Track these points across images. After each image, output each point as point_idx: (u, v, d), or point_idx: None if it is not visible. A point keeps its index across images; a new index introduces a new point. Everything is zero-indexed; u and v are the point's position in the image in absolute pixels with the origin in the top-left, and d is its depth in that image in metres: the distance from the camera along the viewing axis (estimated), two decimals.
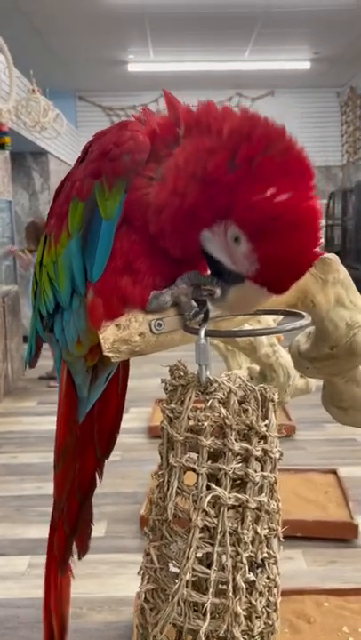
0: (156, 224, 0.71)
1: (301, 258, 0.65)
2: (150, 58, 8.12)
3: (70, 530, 1.05)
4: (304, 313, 0.74)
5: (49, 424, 4.79)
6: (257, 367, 2.42)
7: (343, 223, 9.22)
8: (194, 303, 0.74)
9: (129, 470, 3.48)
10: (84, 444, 0.99)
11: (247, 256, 0.64)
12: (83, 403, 0.95)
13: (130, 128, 0.74)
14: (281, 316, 2.71)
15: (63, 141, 7.97)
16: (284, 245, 0.62)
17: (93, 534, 1.12)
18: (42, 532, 3.44)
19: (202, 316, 0.73)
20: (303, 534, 2.83)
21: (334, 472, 3.44)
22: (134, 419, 4.28)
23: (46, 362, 5.97)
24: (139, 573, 0.69)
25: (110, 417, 1.00)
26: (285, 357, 2.24)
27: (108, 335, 0.71)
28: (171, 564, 0.65)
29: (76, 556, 1.11)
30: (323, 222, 9.64)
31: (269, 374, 2.15)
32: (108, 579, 2.52)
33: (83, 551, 1.10)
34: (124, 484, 3.32)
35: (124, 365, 0.98)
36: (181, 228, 0.69)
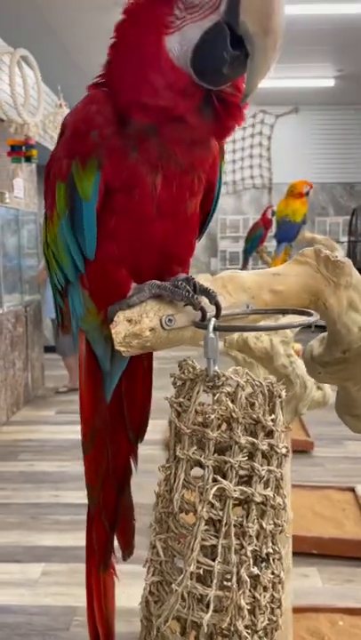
0: (125, 80, 0.71)
1: None
2: None
3: (110, 522, 0.99)
4: (313, 311, 0.74)
5: (67, 433, 4.80)
6: (273, 378, 2.40)
7: None
8: (205, 299, 0.75)
9: (144, 481, 3.44)
10: (115, 425, 0.95)
11: None
12: (107, 378, 0.91)
13: (96, 100, 0.74)
14: (295, 330, 2.68)
15: None
16: None
17: None
18: (56, 540, 3.43)
19: (213, 312, 0.74)
20: (319, 552, 2.78)
21: (352, 490, 3.39)
22: (150, 430, 4.22)
23: (62, 372, 6.02)
24: (144, 566, 0.70)
25: (139, 393, 0.96)
26: (302, 368, 2.22)
27: (120, 330, 0.72)
28: (176, 557, 0.65)
29: (120, 556, 1.04)
30: (345, 238, 9.46)
31: (286, 385, 2.13)
32: (121, 589, 2.50)
33: (127, 548, 1.04)
34: (138, 494, 3.30)
35: None
36: (146, 51, 0.71)
